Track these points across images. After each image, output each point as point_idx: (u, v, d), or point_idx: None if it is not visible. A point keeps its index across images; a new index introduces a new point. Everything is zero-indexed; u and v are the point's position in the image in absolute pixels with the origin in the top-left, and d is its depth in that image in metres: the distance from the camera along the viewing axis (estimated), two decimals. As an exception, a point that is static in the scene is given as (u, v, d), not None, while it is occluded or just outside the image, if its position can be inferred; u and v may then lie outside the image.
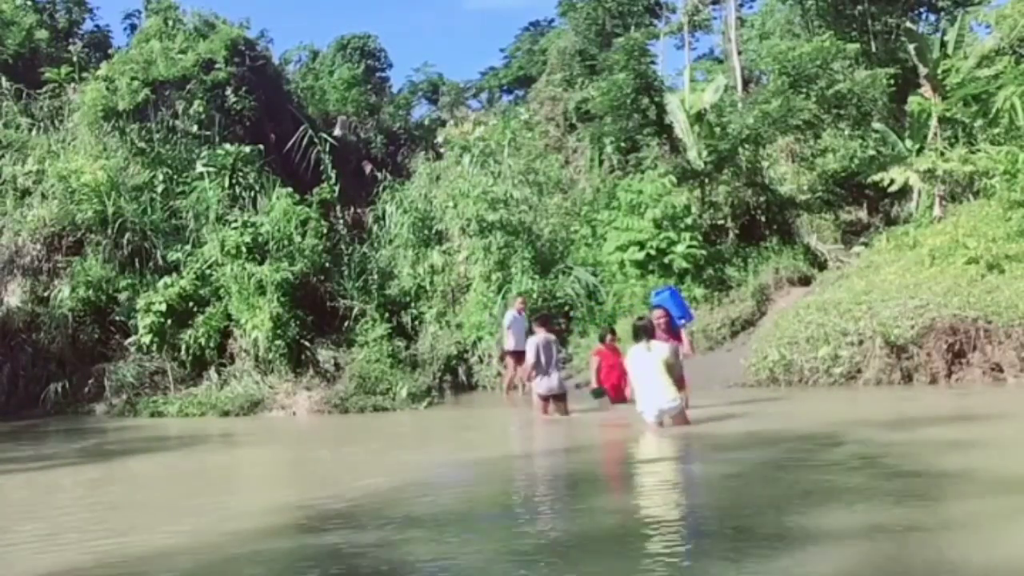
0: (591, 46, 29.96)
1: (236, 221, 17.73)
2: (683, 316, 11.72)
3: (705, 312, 16.87)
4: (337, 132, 26.19)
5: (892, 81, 22.81)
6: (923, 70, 20.14)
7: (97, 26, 29.27)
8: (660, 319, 11.13)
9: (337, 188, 19.07)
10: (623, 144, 22.60)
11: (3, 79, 21.95)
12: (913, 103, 20.25)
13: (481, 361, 17.00)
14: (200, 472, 9.52)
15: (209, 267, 17.12)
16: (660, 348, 9.88)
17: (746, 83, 27.38)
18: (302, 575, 5.14)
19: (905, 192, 20.24)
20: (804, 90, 22.24)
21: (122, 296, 16.92)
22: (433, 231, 19.31)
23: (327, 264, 17.99)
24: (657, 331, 10.63)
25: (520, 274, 17.72)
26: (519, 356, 14.00)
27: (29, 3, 26.19)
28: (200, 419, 14.58)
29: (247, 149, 19.81)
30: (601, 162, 23.15)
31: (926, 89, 20.20)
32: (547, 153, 23.32)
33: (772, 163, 22.36)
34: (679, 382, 10.00)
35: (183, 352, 16.23)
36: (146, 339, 16.25)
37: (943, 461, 7.16)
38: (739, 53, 28.25)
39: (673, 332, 11.23)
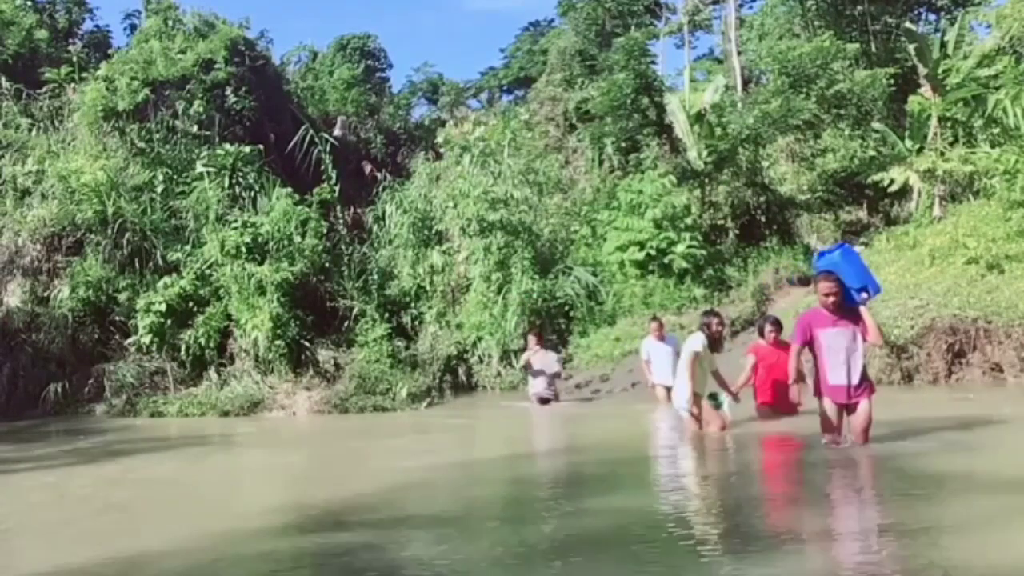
0: (591, 46, 29.94)
1: (236, 221, 17.71)
2: (864, 287, 7.39)
3: (705, 312, 16.84)
4: (337, 132, 26.13)
5: (892, 81, 22.83)
6: (923, 70, 20.13)
7: (97, 26, 29.20)
8: (828, 295, 7.37)
9: (337, 188, 19.03)
10: (623, 144, 22.59)
11: (3, 79, 21.91)
12: (913, 103, 20.25)
13: (481, 361, 16.97)
14: (199, 472, 9.52)
15: (209, 267, 17.11)
16: (691, 342, 8.97)
17: (746, 83, 27.40)
18: (301, 575, 5.14)
19: (905, 192, 20.25)
20: (804, 90, 22.26)
21: (122, 296, 16.91)
22: (433, 231, 19.28)
23: (327, 264, 17.97)
24: (823, 315, 7.47)
25: (520, 274, 17.71)
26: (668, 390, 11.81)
27: (29, 3, 26.12)
28: (200, 419, 14.59)
29: (247, 149, 19.77)
30: (601, 162, 23.13)
31: (926, 89, 20.19)
32: (547, 153, 23.30)
33: (772, 163, 22.37)
34: (721, 383, 9.14)
35: (183, 352, 16.23)
36: (146, 339, 16.25)
37: (943, 461, 7.17)
38: (739, 53, 28.28)
39: (849, 314, 7.38)
